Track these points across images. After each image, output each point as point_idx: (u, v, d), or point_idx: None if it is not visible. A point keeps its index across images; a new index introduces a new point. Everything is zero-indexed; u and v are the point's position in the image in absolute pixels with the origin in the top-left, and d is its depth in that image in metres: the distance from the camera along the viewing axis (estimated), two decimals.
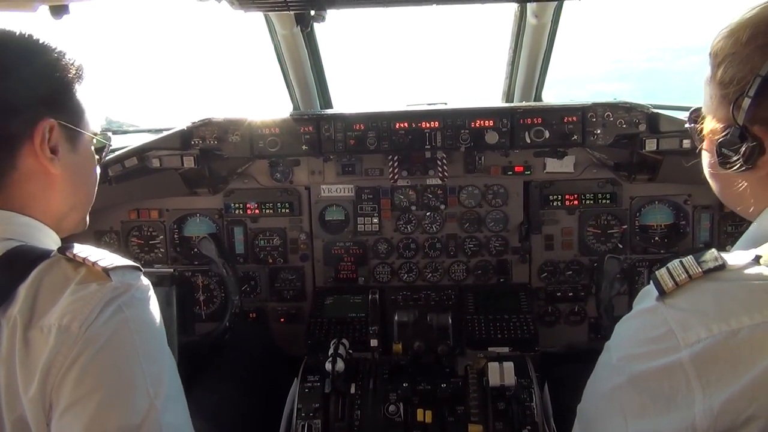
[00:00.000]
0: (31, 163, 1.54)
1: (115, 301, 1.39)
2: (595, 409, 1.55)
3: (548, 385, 2.84)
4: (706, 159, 1.65)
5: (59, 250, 1.46)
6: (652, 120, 3.02)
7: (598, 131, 3.08)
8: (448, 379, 2.79)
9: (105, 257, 1.46)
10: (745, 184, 1.51)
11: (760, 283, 1.31)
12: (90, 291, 1.38)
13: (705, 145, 1.61)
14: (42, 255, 1.44)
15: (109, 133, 1.80)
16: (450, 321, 2.95)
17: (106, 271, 1.41)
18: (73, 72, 1.62)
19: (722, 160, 1.48)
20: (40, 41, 1.60)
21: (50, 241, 1.61)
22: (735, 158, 1.44)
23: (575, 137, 3.08)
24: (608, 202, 3.33)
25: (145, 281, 1.52)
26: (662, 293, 1.38)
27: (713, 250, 1.38)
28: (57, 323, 1.33)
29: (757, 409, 1.25)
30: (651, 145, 2.95)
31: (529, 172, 3.32)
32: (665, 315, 1.37)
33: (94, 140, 1.72)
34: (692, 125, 1.65)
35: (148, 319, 1.46)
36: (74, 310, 1.35)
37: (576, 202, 3.34)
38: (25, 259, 1.43)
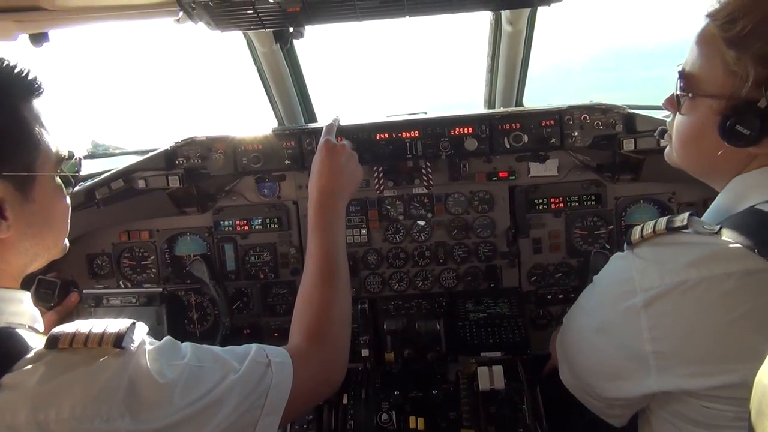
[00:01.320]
0: None
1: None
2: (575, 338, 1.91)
3: (540, 387, 2.86)
4: (686, 125, 1.66)
5: (48, 344, 1.34)
6: (628, 120, 3.06)
7: (576, 133, 3.12)
8: (440, 385, 2.81)
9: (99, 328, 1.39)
10: (725, 152, 1.56)
11: (714, 246, 1.46)
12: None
13: (690, 112, 1.63)
14: (26, 347, 1.34)
15: (77, 156, 1.64)
16: (439, 327, 2.97)
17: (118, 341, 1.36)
18: (23, 90, 1.44)
19: (731, 136, 1.50)
20: None
21: (16, 309, 1.49)
22: (746, 136, 1.48)
23: (553, 140, 3.12)
24: (593, 203, 3.36)
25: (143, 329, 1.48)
26: (629, 243, 1.62)
27: (686, 213, 1.56)
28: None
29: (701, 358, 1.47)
30: (629, 144, 2.99)
31: (513, 177, 3.35)
32: (630, 261, 1.60)
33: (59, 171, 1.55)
34: (683, 92, 1.63)
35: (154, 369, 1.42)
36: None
37: (562, 205, 3.37)
38: (6, 347, 1.33)
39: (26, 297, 1.54)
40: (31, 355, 1.33)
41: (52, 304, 2.87)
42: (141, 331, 1.46)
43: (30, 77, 1.46)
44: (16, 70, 1.44)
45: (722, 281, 1.41)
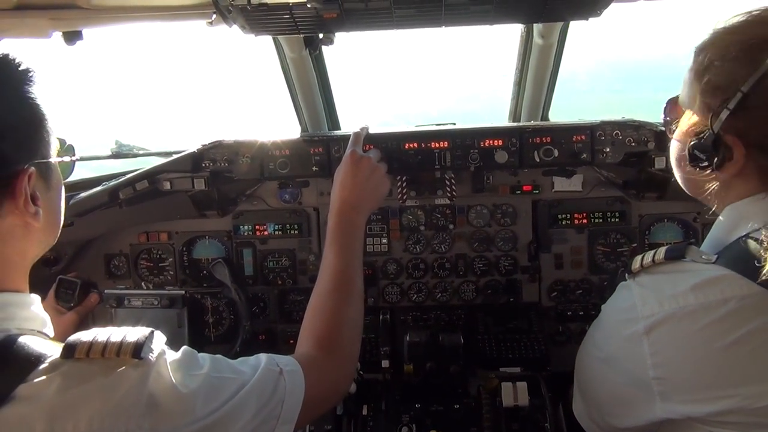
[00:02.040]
0: (9, 224, 1.39)
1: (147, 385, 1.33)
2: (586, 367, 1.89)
3: (562, 405, 2.83)
4: (674, 147, 1.77)
5: (64, 353, 1.31)
6: (660, 138, 3.04)
7: (607, 149, 3.09)
8: (461, 400, 2.78)
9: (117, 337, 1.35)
10: (710, 180, 1.63)
11: (711, 274, 1.50)
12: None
13: (677, 135, 1.74)
14: (39, 355, 1.30)
15: (68, 143, 1.64)
16: (461, 341, 2.95)
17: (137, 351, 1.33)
18: (30, 80, 1.44)
19: (692, 160, 1.61)
20: None
21: (27, 314, 1.45)
22: (704, 162, 1.58)
23: (584, 156, 3.09)
24: (617, 220, 3.33)
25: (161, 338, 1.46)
26: (629, 272, 1.67)
27: (684, 243, 1.62)
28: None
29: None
30: (660, 163, 2.96)
31: (537, 191, 3.33)
32: (632, 290, 1.63)
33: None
34: (667, 117, 1.78)
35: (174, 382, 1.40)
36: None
37: (585, 221, 3.34)
38: (20, 356, 1.29)
39: (36, 300, 1.50)
40: (46, 364, 1.28)
41: (72, 304, 2.85)
42: (160, 340, 1.43)
43: (25, 66, 1.45)
44: (17, 61, 1.43)
45: (719, 306, 1.46)
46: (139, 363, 1.32)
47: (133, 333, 1.36)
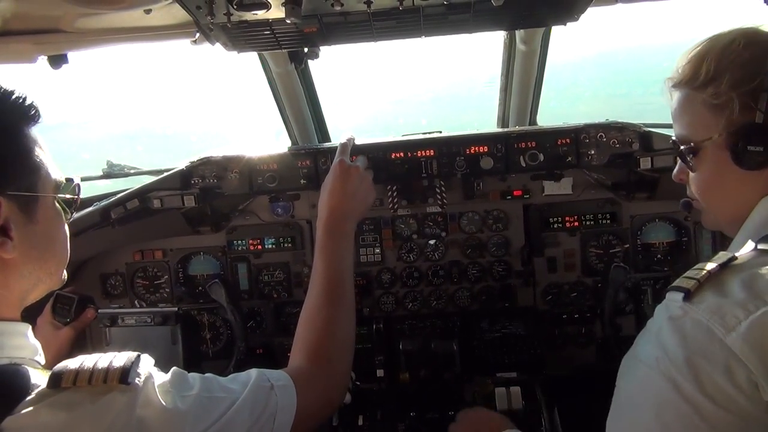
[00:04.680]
0: None
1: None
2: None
3: (558, 409, 2.82)
4: (702, 175, 1.70)
5: (50, 383, 1.29)
6: (644, 138, 3.05)
7: (592, 152, 3.11)
8: (456, 406, 2.77)
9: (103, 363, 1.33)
10: (750, 181, 1.57)
11: None
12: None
13: (701, 162, 1.66)
14: (27, 387, 1.28)
15: (75, 180, 1.59)
16: (455, 347, 2.95)
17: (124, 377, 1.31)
18: (24, 115, 1.42)
19: (746, 160, 1.52)
20: None
21: (17, 342, 1.43)
22: (763, 154, 1.49)
23: (570, 159, 3.11)
24: (609, 222, 3.34)
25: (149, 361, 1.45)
26: (688, 294, 1.38)
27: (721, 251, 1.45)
28: None
29: None
30: (645, 163, 2.97)
31: (528, 196, 3.34)
32: (697, 312, 1.35)
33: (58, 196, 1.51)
34: (684, 147, 1.68)
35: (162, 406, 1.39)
36: None
37: (576, 224, 3.35)
38: (7, 387, 1.27)
39: (28, 330, 1.49)
40: (32, 396, 1.27)
41: (69, 320, 2.87)
42: (147, 363, 1.42)
43: (27, 103, 1.44)
44: (14, 96, 1.42)
45: None
46: (127, 388, 1.31)
47: (119, 358, 1.35)
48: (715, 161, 1.62)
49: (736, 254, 1.44)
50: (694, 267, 1.44)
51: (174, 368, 1.52)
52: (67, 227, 1.59)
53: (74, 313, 2.88)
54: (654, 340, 1.42)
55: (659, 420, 1.35)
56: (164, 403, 1.37)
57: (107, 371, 1.31)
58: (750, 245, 1.48)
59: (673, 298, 1.41)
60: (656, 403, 1.37)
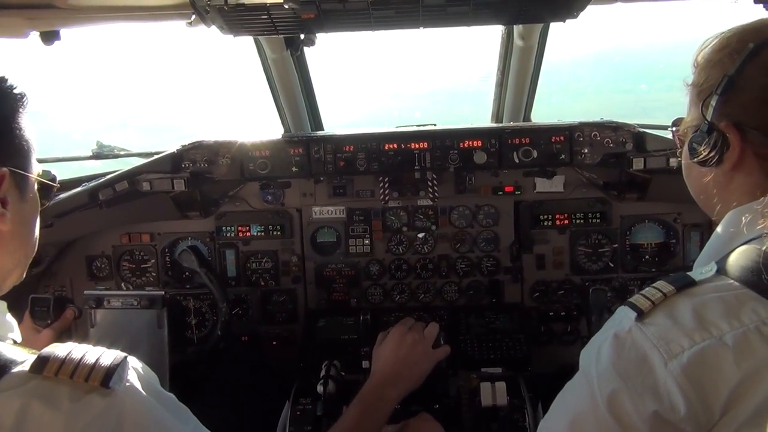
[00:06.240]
0: None
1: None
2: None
3: (542, 405, 2.83)
4: (682, 160, 1.74)
5: (33, 367, 1.25)
6: (638, 139, 3.06)
7: (586, 150, 3.11)
8: (441, 400, 2.77)
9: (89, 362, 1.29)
10: (711, 179, 1.59)
11: (731, 293, 1.35)
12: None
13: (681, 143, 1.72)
14: (5, 365, 1.25)
15: (53, 172, 1.59)
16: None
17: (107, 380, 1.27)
18: (16, 101, 1.43)
19: (692, 153, 1.58)
20: None
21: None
22: (703, 154, 1.53)
23: (563, 156, 3.11)
24: (598, 221, 3.34)
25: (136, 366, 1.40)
26: (640, 314, 1.38)
27: (682, 271, 1.44)
28: None
29: (743, 409, 1.26)
30: (638, 163, 2.98)
31: (519, 192, 3.34)
32: (643, 336, 1.36)
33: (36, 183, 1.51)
34: (674, 129, 1.75)
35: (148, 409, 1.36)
36: None
37: (566, 222, 3.35)
38: None
39: (3, 305, 1.46)
40: (13, 374, 1.24)
41: (49, 321, 2.82)
42: (133, 368, 1.37)
43: (17, 91, 1.43)
44: (7, 84, 1.42)
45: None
46: (107, 392, 1.27)
47: (106, 357, 1.31)
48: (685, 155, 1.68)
49: (696, 277, 1.41)
50: (654, 284, 1.43)
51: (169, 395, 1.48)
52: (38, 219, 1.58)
53: (53, 314, 2.83)
54: (596, 350, 1.44)
55: (572, 428, 1.41)
56: (142, 410, 1.32)
57: (92, 369, 1.27)
58: (712, 266, 1.44)
59: (626, 315, 1.41)
60: (574, 411, 1.42)
